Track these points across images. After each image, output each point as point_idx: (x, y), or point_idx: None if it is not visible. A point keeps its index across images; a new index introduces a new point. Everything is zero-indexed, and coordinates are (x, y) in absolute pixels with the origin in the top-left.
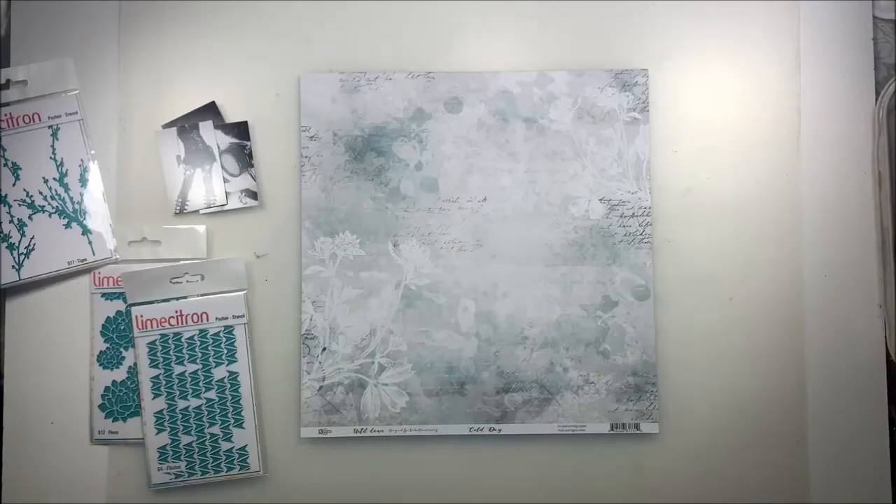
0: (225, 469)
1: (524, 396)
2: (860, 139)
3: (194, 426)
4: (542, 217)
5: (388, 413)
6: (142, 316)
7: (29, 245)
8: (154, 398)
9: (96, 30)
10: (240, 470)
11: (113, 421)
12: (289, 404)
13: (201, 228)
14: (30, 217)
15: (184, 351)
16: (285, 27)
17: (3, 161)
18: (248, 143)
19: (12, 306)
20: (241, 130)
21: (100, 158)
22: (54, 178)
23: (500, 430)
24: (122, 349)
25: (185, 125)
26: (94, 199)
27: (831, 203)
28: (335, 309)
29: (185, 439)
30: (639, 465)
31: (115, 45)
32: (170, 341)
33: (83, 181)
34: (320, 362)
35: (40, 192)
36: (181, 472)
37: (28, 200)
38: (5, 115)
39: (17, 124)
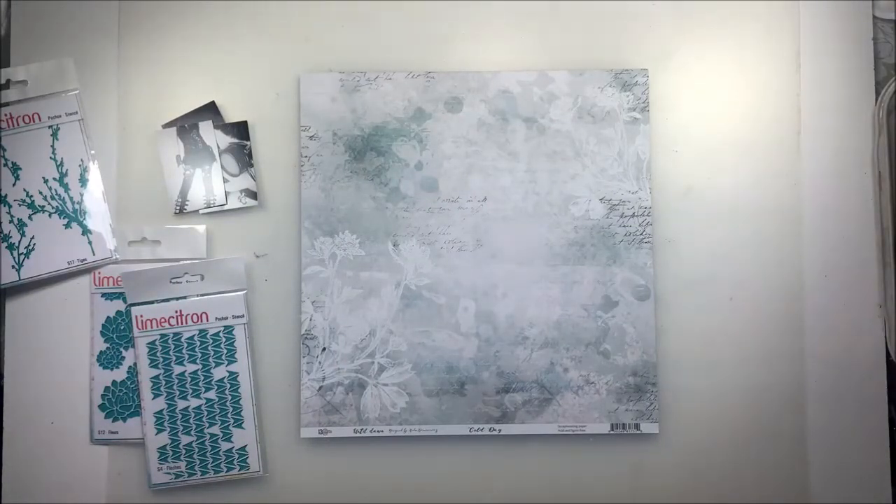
0: (225, 469)
1: (524, 396)
2: (860, 139)
3: (194, 426)
4: (543, 217)
5: (388, 413)
6: (142, 316)
7: (29, 245)
8: (154, 398)
9: (96, 30)
10: (240, 470)
11: (113, 421)
12: (289, 404)
13: (201, 228)
14: (30, 217)
15: (184, 351)
16: (285, 27)
17: (3, 161)
18: (248, 143)
19: (12, 306)
20: (240, 130)
21: (100, 158)
22: (54, 178)
23: (500, 431)
24: (122, 349)
25: (185, 125)
26: (94, 199)
27: (831, 203)
28: (335, 309)
29: (185, 439)
30: (639, 465)
31: (115, 45)
32: (170, 341)
33: (83, 181)
34: (320, 362)
35: (40, 192)
36: (181, 472)
37: (28, 200)
38: (5, 115)
39: (17, 124)
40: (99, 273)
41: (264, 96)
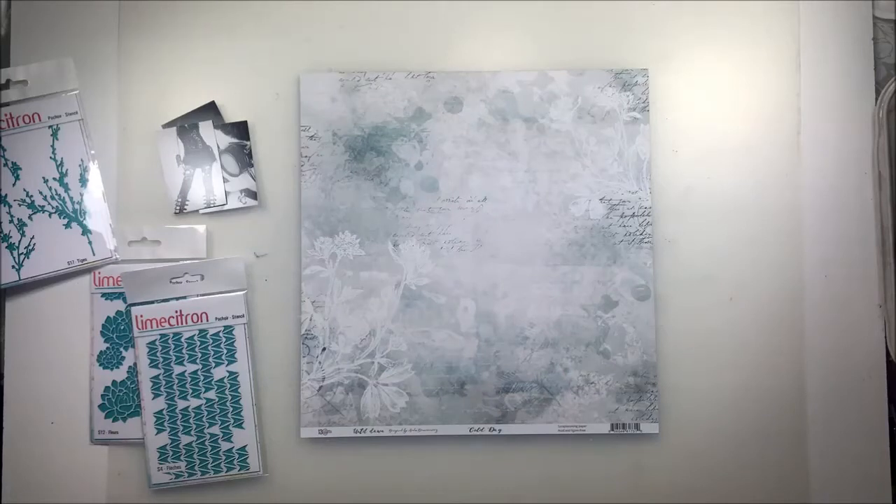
0: (225, 469)
1: (524, 396)
2: (860, 139)
3: (194, 426)
4: (543, 217)
5: (388, 413)
6: (142, 316)
7: (29, 245)
8: (154, 398)
9: (96, 30)
10: (240, 470)
11: (113, 421)
12: (289, 404)
13: (201, 228)
14: (30, 217)
15: (184, 351)
16: (285, 27)
17: (3, 161)
18: (248, 143)
19: (12, 306)
20: (240, 130)
21: (100, 158)
22: (54, 178)
23: (500, 431)
24: (122, 349)
25: (185, 125)
26: (94, 199)
27: (831, 203)
28: (335, 309)
29: (185, 439)
30: (639, 465)
31: (115, 45)
32: (170, 341)
33: (83, 181)
34: (320, 362)
35: (40, 192)
36: (181, 472)
37: (28, 200)
38: (5, 115)
39: (17, 124)
40: (99, 273)
41: (264, 96)
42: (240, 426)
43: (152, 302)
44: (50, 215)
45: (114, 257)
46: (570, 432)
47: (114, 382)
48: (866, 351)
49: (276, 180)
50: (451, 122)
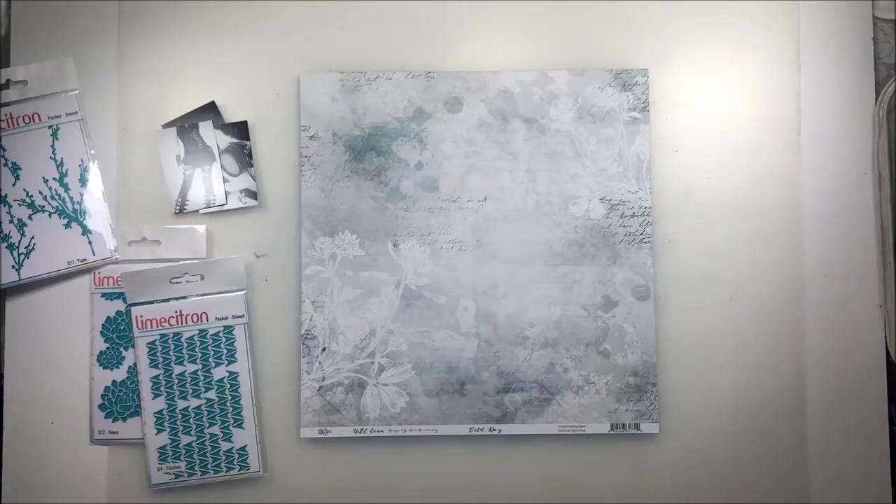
0: (225, 469)
1: (524, 396)
2: (860, 139)
3: (194, 426)
4: (543, 217)
5: (388, 413)
6: (142, 316)
7: (29, 245)
8: (154, 398)
9: (96, 30)
10: (239, 470)
11: (113, 421)
12: (289, 404)
13: (201, 228)
14: (30, 217)
15: (183, 351)
16: (285, 27)
17: (3, 161)
18: (248, 143)
19: (12, 306)
20: (240, 130)
21: (100, 158)
22: (54, 178)
23: (500, 431)
24: (122, 349)
25: (185, 125)
26: (94, 199)
27: (831, 203)
28: (335, 309)
29: (184, 439)
30: (639, 465)
31: (115, 45)
32: (170, 341)
33: (83, 181)
34: (320, 362)
35: (40, 192)
36: (181, 472)
37: (28, 200)
38: (5, 115)
39: (17, 124)
40: (99, 273)
41: (264, 96)
42: (240, 426)
43: (152, 302)
44: (50, 215)
45: (114, 257)
46: (570, 432)
47: (114, 382)
48: (866, 351)
49: (276, 180)
50: (451, 122)
